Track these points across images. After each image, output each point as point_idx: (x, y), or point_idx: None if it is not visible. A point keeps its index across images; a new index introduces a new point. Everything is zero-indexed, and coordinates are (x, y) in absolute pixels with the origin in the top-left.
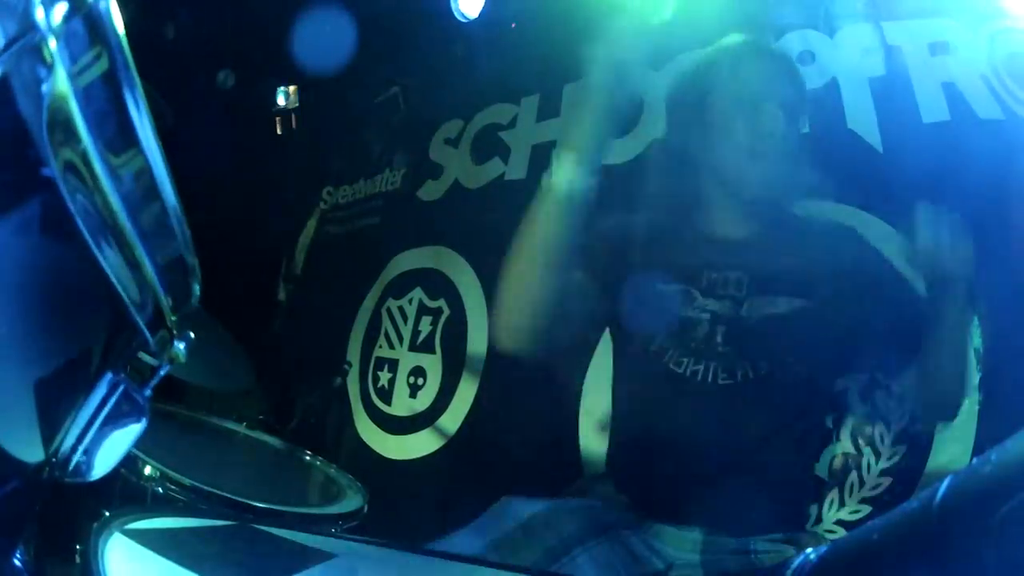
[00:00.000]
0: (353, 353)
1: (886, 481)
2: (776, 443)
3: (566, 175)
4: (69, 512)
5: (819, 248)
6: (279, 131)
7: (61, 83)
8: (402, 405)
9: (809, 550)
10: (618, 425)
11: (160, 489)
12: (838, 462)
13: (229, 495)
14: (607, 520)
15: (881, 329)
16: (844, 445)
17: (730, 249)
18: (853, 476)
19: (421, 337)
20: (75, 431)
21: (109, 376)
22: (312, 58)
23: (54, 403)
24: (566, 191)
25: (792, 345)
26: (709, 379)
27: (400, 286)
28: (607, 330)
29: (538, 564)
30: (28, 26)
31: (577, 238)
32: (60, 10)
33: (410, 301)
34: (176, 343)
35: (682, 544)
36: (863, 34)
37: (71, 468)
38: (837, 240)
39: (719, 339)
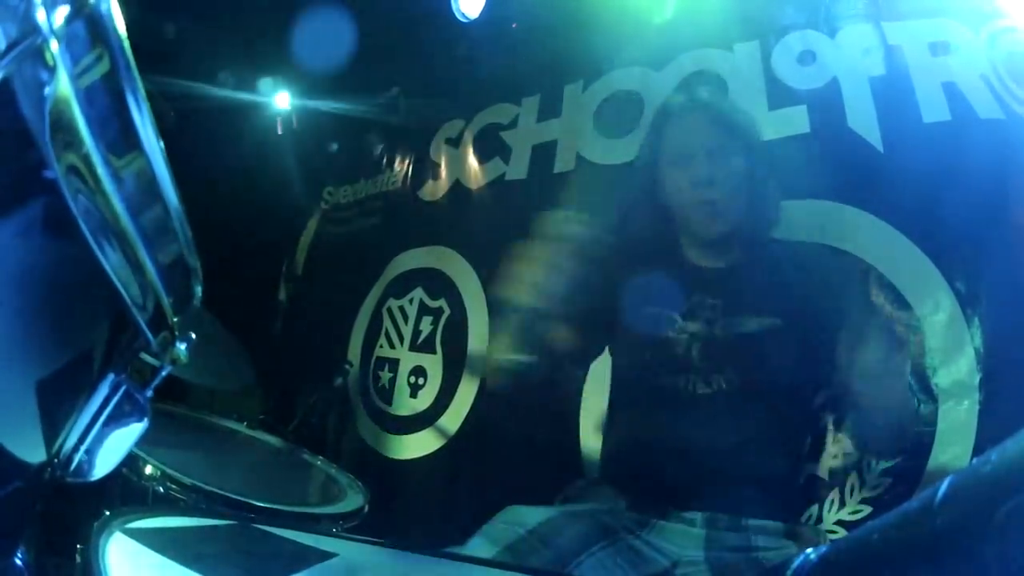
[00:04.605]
0: (354, 353)
1: (886, 481)
2: (759, 442)
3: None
4: (70, 511)
5: (791, 272)
6: (279, 131)
7: (63, 86)
8: (403, 405)
9: (809, 550)
10: (612, 432)
11: (161, 488)
12: (838, 462)
13: (230, 494)
14: (612, 524)
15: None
16: (844, 445)
17: (707, 277)
18: (853, 476)
19: (422, 337)
20: (77, 431)
21: (111, 377)
22: (312, 59)
23: (56, 403)
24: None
25: (761, 360)
26: (690, 389)
27: (401, 286)
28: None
29: (549, 568)
30: (30, 29)
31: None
32: (62, 12)
33: (411, 301)
34: (178, 344)
35: (686, 541)
36: (863, 34)
37: (73, 468)
38: (809, 263)
39: (695, 354)
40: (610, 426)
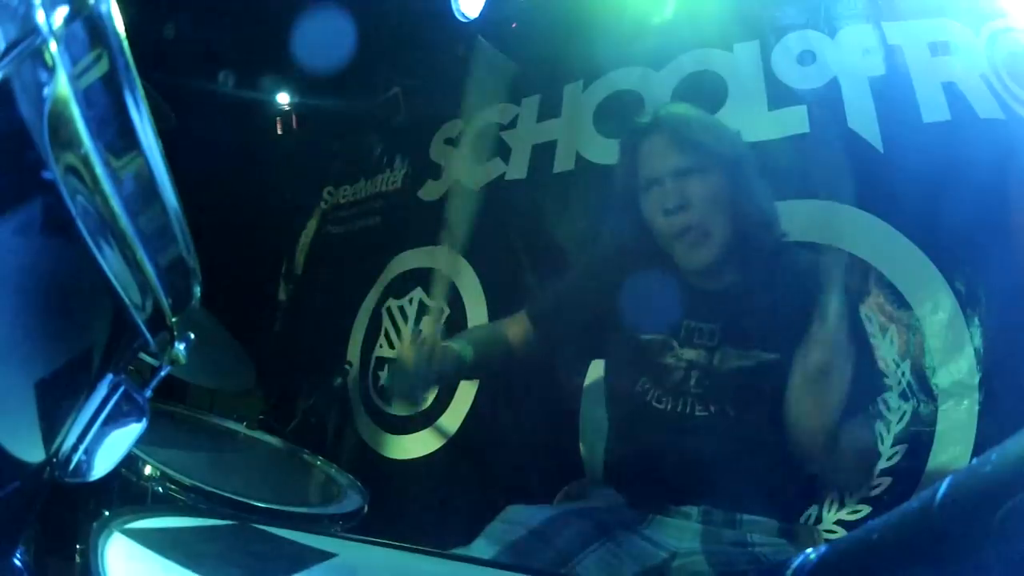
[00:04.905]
0: (353, 353)
1: (886, 481)
2: (756, 454)
3: None
4: (69, 511)
5: (791, 293)
6: (279, 131)
7: (62, 86)
8: (403, 405)
9: (809, 550)
10: (611, 439)
11: (160, 489)
12: None
13: (229, 495)
14: (610, 521)
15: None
16: None
17: (705, 300)
18: None
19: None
20: (76, 431)
21: (110, 377)
22: (312, 58)
23: (55, 403)
24: None
25: (758, 392)
26: (688, 411)
27: (400, 286)
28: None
29: (550, 567)
30: (29, 29)
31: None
32: (61, 13)
33: (410, 301)
34: (177, 344)
35: (683, 534)
36: (863, 34)
37: (72, 468)
38: (809, 278)
39: (692, 383)
40: (609, 434)
